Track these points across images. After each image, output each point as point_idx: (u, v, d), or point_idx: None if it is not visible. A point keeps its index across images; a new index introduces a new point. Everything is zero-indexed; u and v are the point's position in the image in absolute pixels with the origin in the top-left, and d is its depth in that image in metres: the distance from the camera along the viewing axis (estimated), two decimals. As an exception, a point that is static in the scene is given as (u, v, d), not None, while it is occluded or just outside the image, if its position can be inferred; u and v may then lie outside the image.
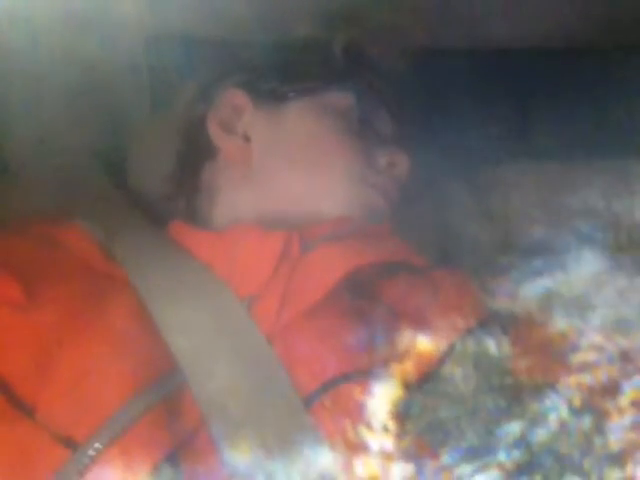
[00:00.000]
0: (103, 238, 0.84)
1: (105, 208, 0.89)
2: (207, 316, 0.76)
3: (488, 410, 0.69)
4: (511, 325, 0.75)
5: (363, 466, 0.66)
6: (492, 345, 0.73)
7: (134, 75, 0.96)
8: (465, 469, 0.66)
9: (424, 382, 0.72)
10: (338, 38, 0.92)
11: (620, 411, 0.69)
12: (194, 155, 0.93)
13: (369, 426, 0.69)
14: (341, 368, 0.72)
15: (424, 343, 0.73)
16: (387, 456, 0.67)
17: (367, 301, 0.78)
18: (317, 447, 0.68)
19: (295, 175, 0.88)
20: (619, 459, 0.66)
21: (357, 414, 0.69)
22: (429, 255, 0.84)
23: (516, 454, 0.67)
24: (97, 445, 0.68)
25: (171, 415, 0.71)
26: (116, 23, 0.92)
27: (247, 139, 0.90)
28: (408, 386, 0.71)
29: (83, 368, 0.73)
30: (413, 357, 0.72)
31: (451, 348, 0.73)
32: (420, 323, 0.74)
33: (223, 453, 0.68)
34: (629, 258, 0.77)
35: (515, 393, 0.70)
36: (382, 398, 0.70)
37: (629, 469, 0.66)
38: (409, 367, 0.71)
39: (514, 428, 0.68)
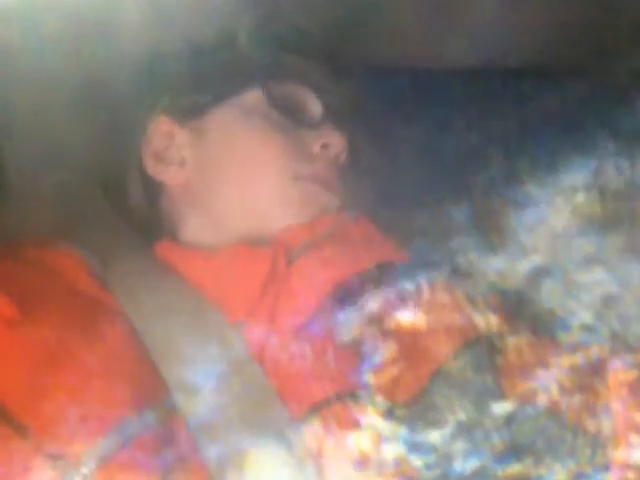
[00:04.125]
0: (97, 265, 0.83)
1: (100, 230, 0.88)
2: (198, 342, 0.76)
3: (478, 389, 0.68)
4: (502, 303, 0.74)
5: (355, 444, 0.66)
6: (481, 324, 0.72)
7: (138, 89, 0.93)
8: (456, 448, 0.65)
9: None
10: (242, 22, 0.89)
11: (611, 391, 0.68)
12: (149, 186, 0.91)
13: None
14: (332, 388, 0.72)
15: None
16: (378, 435, 0.67)
17: (354, 315, 0.78)
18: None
19: (229, 189, 0.86)
20: (611, 441, 0.66)
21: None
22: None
23: (506, 434, 0.66)
24: (88, 466, 0.69)
25: (163, 439, 0.72)
26: (122, 36, 0.89)
27: (182, 164, 0.88)
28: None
29: (76, 389, 0.73)
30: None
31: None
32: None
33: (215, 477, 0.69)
34: (618, 234, 0.76)
35: (505, 372, 0.70)
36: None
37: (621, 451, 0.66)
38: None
39: (504, 407, 0.68)
